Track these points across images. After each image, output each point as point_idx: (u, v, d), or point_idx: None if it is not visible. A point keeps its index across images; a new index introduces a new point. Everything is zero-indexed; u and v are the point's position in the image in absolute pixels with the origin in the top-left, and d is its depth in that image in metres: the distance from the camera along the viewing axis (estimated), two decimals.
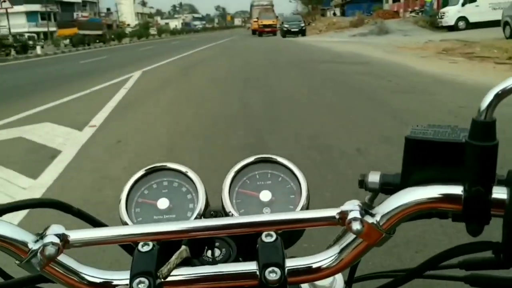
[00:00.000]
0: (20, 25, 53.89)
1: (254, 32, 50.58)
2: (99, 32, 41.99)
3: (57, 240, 0.46)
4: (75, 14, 63.45)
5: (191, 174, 0.65)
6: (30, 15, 59.72)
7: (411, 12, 37.71)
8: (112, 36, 45.06)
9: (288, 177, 0.65)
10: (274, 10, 54.93)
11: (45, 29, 47.45)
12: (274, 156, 0.67)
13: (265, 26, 45.59)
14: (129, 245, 0.63)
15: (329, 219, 0.47)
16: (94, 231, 0.49)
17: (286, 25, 39.23)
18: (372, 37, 27.63)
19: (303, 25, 39.21)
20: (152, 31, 61.32)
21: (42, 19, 57.48)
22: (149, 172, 0.66)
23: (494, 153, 0.42)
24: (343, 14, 52.75)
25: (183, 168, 0.65)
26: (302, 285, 0.55)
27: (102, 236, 0.48)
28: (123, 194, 0.63)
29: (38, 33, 41.46)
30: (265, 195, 0.64)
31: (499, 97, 0.42)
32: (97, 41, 40.69)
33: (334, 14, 55.97)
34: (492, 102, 0.42)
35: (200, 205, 0.62)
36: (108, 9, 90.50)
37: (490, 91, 0.42)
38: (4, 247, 0.45)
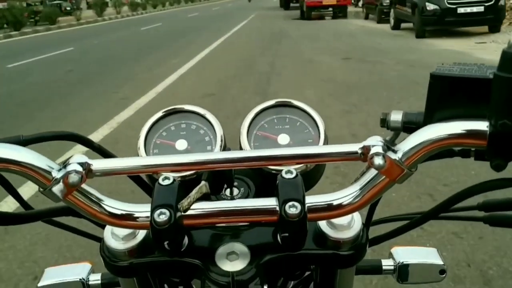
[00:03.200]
0: None
1: (287, 4, 29.10)
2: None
3: (80, 169, 0.47)
4: None
5: (209, 116, 0.66)
6: None
7: None
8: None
9: (307, 122, 0.66)
10: None
11: None
12: (292, 101, 0.67)
13: None
14: (146, 183, 0.65)
15: (351, 154, 0.48)
16: (117, 160, 0.49)
17: None
18: None
19: None
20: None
21: None
22: (167, 114, 0.66)
23: None
24: None
25: (201, 111, 0.66)
26: (320, 223, 0.56)
27: (124, 166, 0.49)
28: (141, 135, 0.64)
29: None
30: (283, 139, 0.64)
31: None
32: (33, 18, 25.46)
33: None
34: None
35: (218, 146, 0.63)
36: None
37: None
38: (29, 174, 0.47)
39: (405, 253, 0.73)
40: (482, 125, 0.44)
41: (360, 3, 23.29)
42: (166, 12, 36.55)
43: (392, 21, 13.51)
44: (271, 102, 0.67)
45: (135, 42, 14.22)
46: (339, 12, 20.20)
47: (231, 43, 12.55)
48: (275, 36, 13.53)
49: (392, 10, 13.46)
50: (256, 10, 31.29)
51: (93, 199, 0.50)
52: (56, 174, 0.47)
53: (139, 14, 33.56)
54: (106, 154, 0.63)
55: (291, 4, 28.47)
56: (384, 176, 0.48)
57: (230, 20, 22.20)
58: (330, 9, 20.27)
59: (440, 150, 0.46)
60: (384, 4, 14.91)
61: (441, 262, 0.71)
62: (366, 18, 18.31)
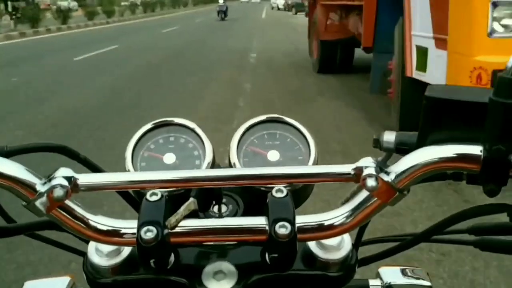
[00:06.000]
0: None
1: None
2: None
3: (65, 183, 0.46)
4: None
5: (198, 130, 0.65)
6: None
7: None
8: None
9: (297, 139, 0.65)
10: None
11: None
12: (283, 117, 0.67)
13: None
14: (133, 198, 0.63)
15: (343, 175, 0.47)
16: (104, 175, 0.48)
17: None
18: None
19: None
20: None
21: None
22: (156, 127, 0.65)
23: None
24: None
25: (190, 124, 0.65)
26: (309, 244, 0.55)
27: (111, 181, 0.48)
28: (128, 147, 0.63)
29: None
30: (273, 155, 0.64)
31: None
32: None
33: None
34: None
35: (207, 161, 0.62)
36: None
37: None
38: (12, 188, 0.45)
39: (393, 273, 0.73)
40: (476, 150, 0.44)
41: None
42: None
43: None
44: (262, 117, 0.66)
45: None
46: None
47: None
48: None
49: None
50: (245, 79, 8.49)
51: (78, 214, 0.48)
52: (41, 188, 0.45)
53: None
54: (93, 167, 0.61)
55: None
56: (376, 198, 0.47)
57: None
58: None
59: (433, 173, 0.46)
60: None
61: (428, 283, 0.71)
62: None
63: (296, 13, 32.15)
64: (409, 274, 0.73)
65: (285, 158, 0.64)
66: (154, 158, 0.63)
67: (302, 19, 24.82)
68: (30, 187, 0.45)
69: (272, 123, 0.66)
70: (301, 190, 0.61)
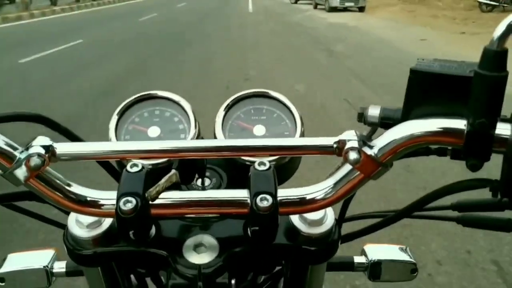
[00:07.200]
0: None
1: None
2: None
3: (43, 152, 0.45)
4: None
5: (184, 103, 0.64)
6: None
7: None
8: None
9: (284, 114, 0.65)
10: None
11: None
12: (270, 92, 0.66)
13: None
14: (115, 169, 0.63)
15: (326, 148, 0.47)
16: (83, 145, 0.48)
17: None
18: None
19: None
20: None
21: None
22: (141, 100, 0.64)
23: (503, 84, 0.41)
24: None
25: (175, 97, 0.64)
26: (292, 218, 0.55)
27: (91, 150, 0.47)
28: (112, 120, 0.62)
29: None
30: (259, 130, 0.63)
31: None
32: None
33: None
34: (506, 31, 0.41)
35: (192, 134, 0.61)
36: None
37: (503, 21, 0.41)
38: None
39: (378, 250, 0.73)
40: (460, 124, 0.43)
41: None
42: None
43: None
44: (249, 91, 0.66)
45: None
46: None
47: None
48: None
49: None
50: None
51: (56, 184, 0.48)
52: (18, 156, 0.45)
53: None
54: (73, 138, 0.61)
55: None
56: (358, 172, 0.47)
57: None
58: None
59: (417, 147, 0.46)
60: None
61: (413, 261, 0.71)
62: None
63: (296, 2, 23.41)
64: (393, 251, 0.73)
65: (271, 133, 0.63)
66: (139, 131, 0.62)
67: (322, 16, 15.73)
68: (7, 156, 0.44)
69: (259, 97, 0.66)
70: (286, 165, 0.61)
